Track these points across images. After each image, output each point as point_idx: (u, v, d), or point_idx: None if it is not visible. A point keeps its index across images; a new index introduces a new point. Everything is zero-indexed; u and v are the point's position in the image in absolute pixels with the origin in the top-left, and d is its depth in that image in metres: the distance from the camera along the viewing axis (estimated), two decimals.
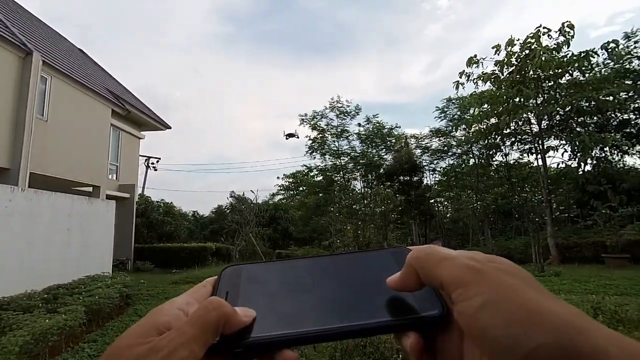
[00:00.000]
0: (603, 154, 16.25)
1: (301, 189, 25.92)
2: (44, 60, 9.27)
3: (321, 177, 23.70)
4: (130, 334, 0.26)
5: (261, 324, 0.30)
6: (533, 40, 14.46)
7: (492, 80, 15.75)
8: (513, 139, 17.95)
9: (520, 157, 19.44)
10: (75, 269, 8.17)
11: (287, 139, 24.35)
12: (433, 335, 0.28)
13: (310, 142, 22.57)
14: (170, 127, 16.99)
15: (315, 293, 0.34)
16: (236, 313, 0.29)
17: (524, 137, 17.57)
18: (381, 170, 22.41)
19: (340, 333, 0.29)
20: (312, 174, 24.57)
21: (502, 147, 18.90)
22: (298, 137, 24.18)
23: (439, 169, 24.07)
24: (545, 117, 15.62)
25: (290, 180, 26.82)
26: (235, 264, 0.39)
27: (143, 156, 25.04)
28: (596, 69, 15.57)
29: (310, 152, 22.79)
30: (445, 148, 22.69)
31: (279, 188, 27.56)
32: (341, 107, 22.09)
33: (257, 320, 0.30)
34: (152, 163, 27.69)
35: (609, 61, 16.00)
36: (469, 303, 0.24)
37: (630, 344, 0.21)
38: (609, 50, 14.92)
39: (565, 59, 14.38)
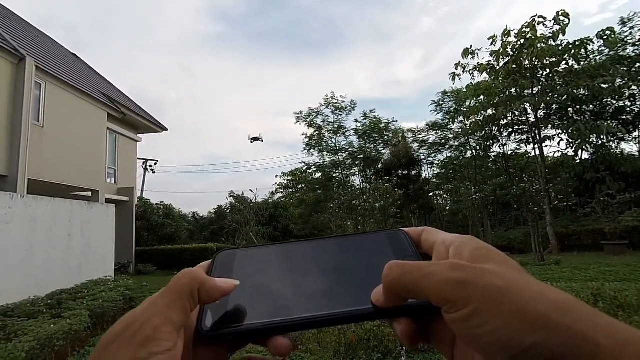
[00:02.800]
0: (600, 142, 16.31)
1: (300, 186, 25.92)
2: (37, 66, 9.22)
3: (320, 174, 23.71)
4: (113, 325, 0.26)
5: (253, 310, 0.30)
6: (528, 30, 14.45)
7: (488, 71, 15.75)
8: (510, 130, 17.99)
9: (518, 147, 19.50)
10: (78, 274, 8.18)
11: (252, 142, 25.30)
12: (426, 320, 0.29)
13: (307, 139, 22.57)
14: (166, 129, 16.94)
15: (308, 278, 0.33)
16: (211, 279, 0.29)
17: (521, 127, 17.61)
18: (379, 165, 22.44)
19: (331, 320, 0.30)
20: (310, 171, 24.58)
21: (500, 138, 18.94)
22: (262, 141, 25.06)
23: (436, 162, 24.13)
24: (542, 106, 15.64)
25: (289, 178, 26.81)
26: (229, 248, 0.38)
27: (141, 159, 25.00)
28: (591, 56, 15.58)
29: (307, 149, 22.79)
30: (443, 141, 22.72)
31: (277, 186, 27.56)
32: (336, 103, 22.07)
33: (249, 307, 0.31)
34: (150, 165, 27.65)
35: (604, 48, 16.01)
36: (456, 315, 0.24)
37: (623, 332, 0.21)
38: (604, 37, 14.93)
39: (560, 47, 14.38)
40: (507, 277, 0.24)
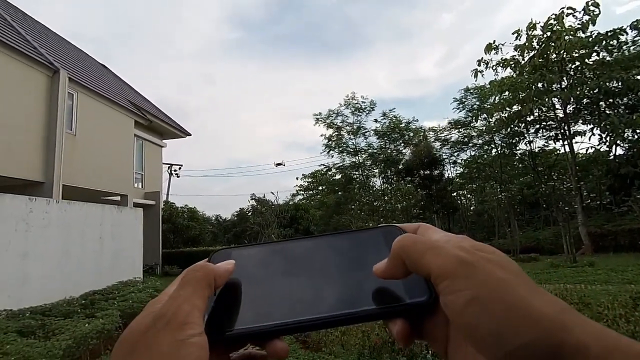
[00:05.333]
0: (635, 136, 15.42)
1: (320, 188, 25.98)
2: (70, 77, 9.71)
3: (340, 176, 23.67)
4: (134, 322, 0.27)
5: (249, 313, 0.30)
6: (555, 22, 13.90)
7: (512, 66, 15.25)
8: (537, 126, 17.32)
9: (546, 144, 18.75)
10: (109, 275, 8.53)
11: (276, 166, 28.46)
12: (420, 319, 0.29)
13: (327, 140, 22.60)
14: (190, 134, 17.41)
15: (303, 279, 0.33)
16: (217, 266, 0.31)
17: (548, 123, 16.92)
18: (400, 166, 22.15)
19: (326, 323, 0.30)
20: (330, 172, 24.58)
21: (526, 135, 18.28)
22: (284, 165, 28.24)
23: (460, 161, 23.56)
24: (571, 101, 14.98)
25: (310, 180, 26.93)
26: (225, 248, 0.38)
27: (166, 164, 25.79)
28: (624, 47, 14.79)
29: (327, 151, 22.81)
30: (466, 139, 22.16)
31: (298, 188, 27.75)
32: (356, 103, 21.99)
33: (245, 309, 0.31)
34: (175, 170, 28.47)
35: (638, 38, 15.16)
36: (456, 297, 0.24)
37: (611, 338, 0.21)
38: (639, 27, 14.13)
39: (590, 39, 13.74)
40: (509, 270, 0.25)
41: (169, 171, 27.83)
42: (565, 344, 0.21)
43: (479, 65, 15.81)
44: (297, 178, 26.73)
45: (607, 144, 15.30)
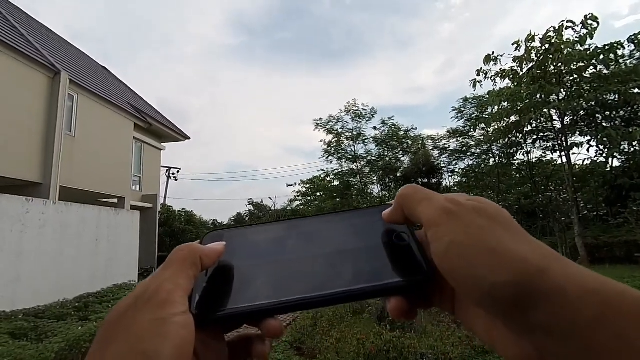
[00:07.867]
0: (632, 149, 15.55)
1: (318, 194, 25.97)
2: (70, 79, 9.74)
3: (338, 182, 23.69)
4: (117, 303, 0.27)
5: (242, 293, 0.30)
6: (554, 35, 14.07)
7: (511, 77, 15.40)
8: (535, 137, 17.46)
9: (543, 154, 18.86)
10: (104, 278, 8.46)
11: (287, 186, 28.98)
12: (430, 291, 0.29)
13: (326, 146, 22.66)
14: (189, 138, 17.42)
15: (298, 258, 0.33)
16: (205, 246, 0.31)
17: (546, 134, 17.06)
18: (399, 173, 22.20)
19: (321, 301, 0.29)
20: (329, 178, 24.60)
21: (524, 145, 18.40)
22: (294, 185, 28.35)
23: (458, 170, 23.64)
24: (569, 112, 15.12)
25: (308, 185, 26.93)
26: (218, 229, 0.37)
27: (164, 167, 25.76)
28: (621, 61, 14.97)
29: (326, 156, 22.85)
30: (464, 148, 22.27)
31: (296, 194, 27.72)
32: (357, 110, 22.10)
33: (238, 289, 0.30)
34: (173, 173, 28.42)
35: (636, 52, 15.36)
36: (439, 244, 0.26)
37: (588, 281, 0.21)
38: (636, 42, 14.33)
39: (588, 52, 13.91)
40: (491, 218, 0.26)
41: (167, 174, 27.79)
42: (539, 286, 0.21)
43: (477, 75, 15.94)
44: (295, 183, 26.66)
45: (605, 155, 15.43)
